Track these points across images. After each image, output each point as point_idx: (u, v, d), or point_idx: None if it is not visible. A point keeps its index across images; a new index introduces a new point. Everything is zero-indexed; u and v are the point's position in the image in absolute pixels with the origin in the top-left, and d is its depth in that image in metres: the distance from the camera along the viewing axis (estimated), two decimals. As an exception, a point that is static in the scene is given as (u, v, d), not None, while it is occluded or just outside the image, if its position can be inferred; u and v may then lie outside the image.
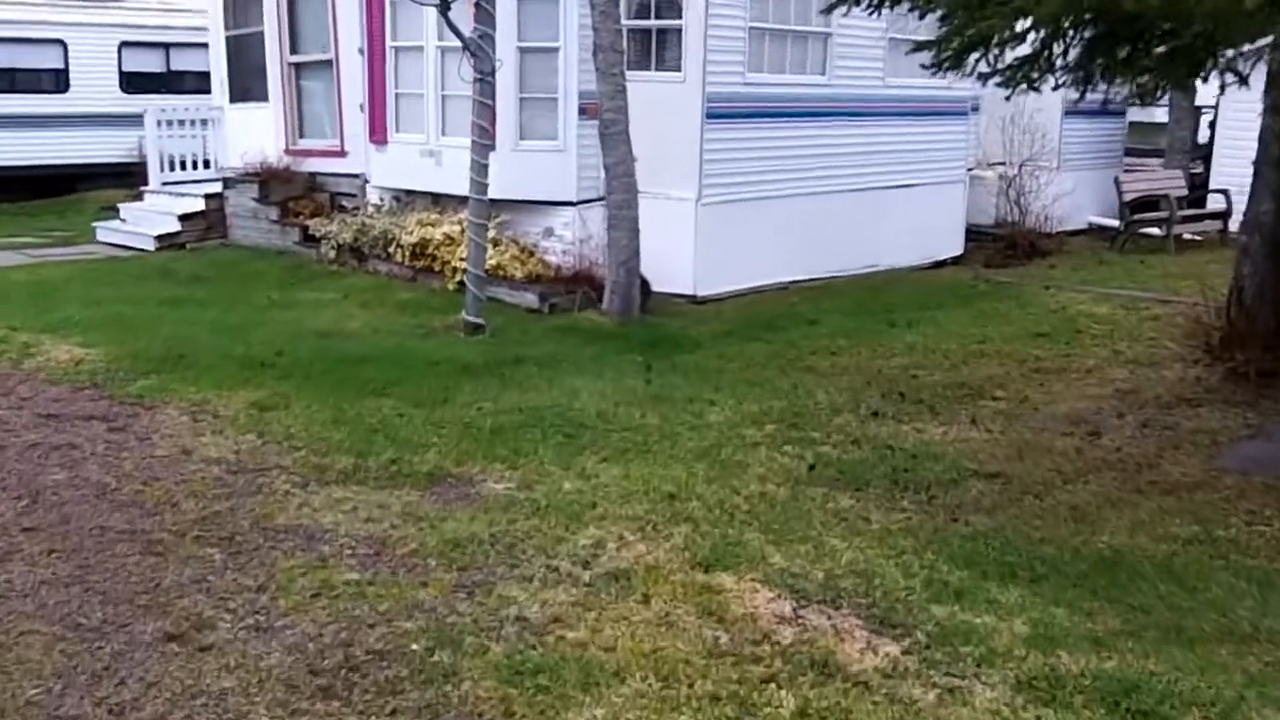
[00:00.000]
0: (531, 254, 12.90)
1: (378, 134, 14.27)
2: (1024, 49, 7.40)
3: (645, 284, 12.03)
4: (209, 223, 16.13)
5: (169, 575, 5.51)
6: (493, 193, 12.13)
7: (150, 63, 23.20)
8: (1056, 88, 7.80)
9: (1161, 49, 6.75)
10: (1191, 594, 5.44)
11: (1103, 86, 7.65)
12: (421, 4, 10.42)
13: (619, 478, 6.80)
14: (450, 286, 12.34)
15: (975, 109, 16.55)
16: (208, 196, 16.18)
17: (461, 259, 11.73)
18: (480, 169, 10.58)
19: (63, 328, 10.50)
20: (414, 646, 4.77)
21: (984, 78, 7.47)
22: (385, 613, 5.07)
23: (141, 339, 10.12)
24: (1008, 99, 7.83)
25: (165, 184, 16.79)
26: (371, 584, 5.39)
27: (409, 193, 14.08)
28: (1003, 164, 17.33)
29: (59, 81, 22.23)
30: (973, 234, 16.82)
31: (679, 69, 12.56)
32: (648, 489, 6.60)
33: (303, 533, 5.99)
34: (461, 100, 11.96)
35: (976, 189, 17.12)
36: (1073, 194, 17.63)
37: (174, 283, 13.43)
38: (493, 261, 12.37)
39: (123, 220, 16.89)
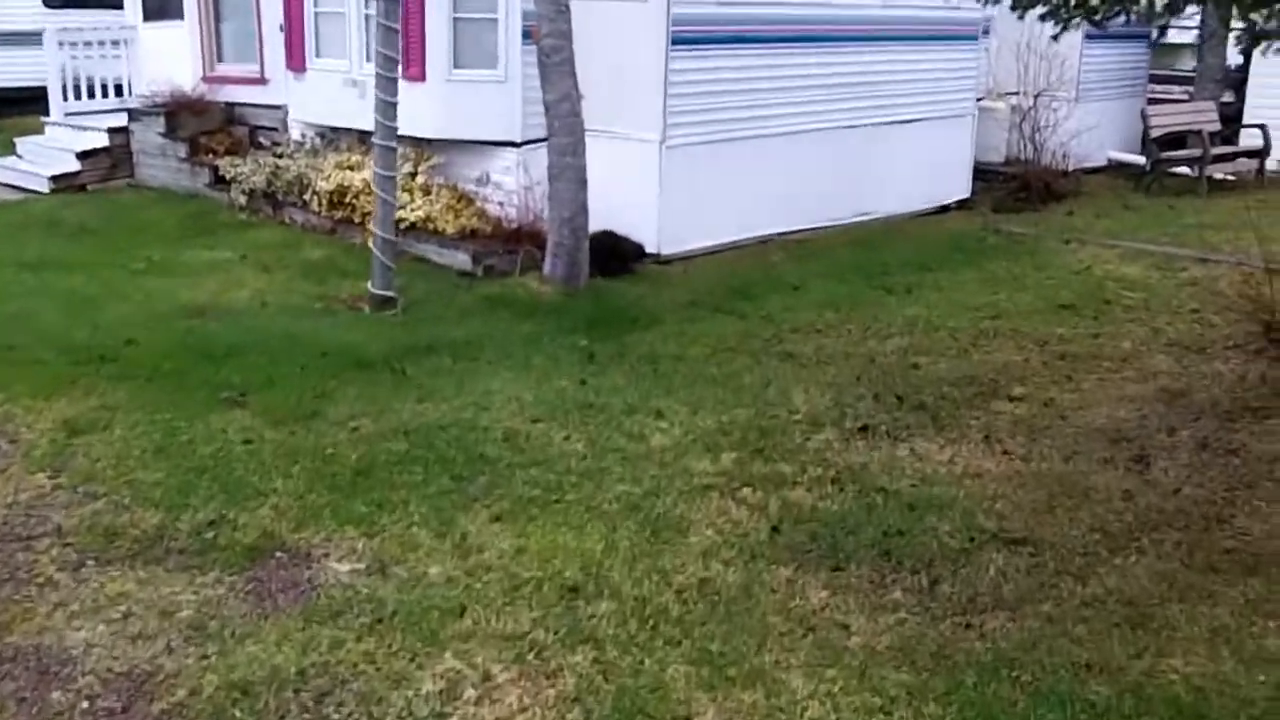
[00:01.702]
0: (469, 204, 10.99)
1: (295, 59, 12.27)
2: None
3: (632, 245, 10.30)
4: (114, 160, 14.06)
5: None
6: (422, 130, 10.44)
7: (78, -26, 21.01)
8: (1128, 22, 5.70)
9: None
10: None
11: (1195, 19, 5.56)
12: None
13: (510, 553, 4.99)
14: (370, 242, 10.46)
15: (986, 32, 14.49)
16: (112, 130, 14.13)
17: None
18: (386, 108, 8.61)
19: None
20: None
21: (1021, 6, 5.36)
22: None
23: (-29, 320, 8.29)
24: (1055, 38, 5.76)
25: (68, 114, 14.71)
26: (102, 768, 3.63)
27: (333, 129, 12.13)
28: (1016, 94, 15.30)
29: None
30: (981, 173, 14.82)
31: (639, -15, 10.52)
32: (546, 575, 4.79)
33: (36, 663, 4.18)
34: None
35: (986, 122, 15.06)
36: (1095, 129, 15.62)
37: (54, 236, 11.45)
38: (420, 213, 10.55)
39: (19, 157, 14.81)
